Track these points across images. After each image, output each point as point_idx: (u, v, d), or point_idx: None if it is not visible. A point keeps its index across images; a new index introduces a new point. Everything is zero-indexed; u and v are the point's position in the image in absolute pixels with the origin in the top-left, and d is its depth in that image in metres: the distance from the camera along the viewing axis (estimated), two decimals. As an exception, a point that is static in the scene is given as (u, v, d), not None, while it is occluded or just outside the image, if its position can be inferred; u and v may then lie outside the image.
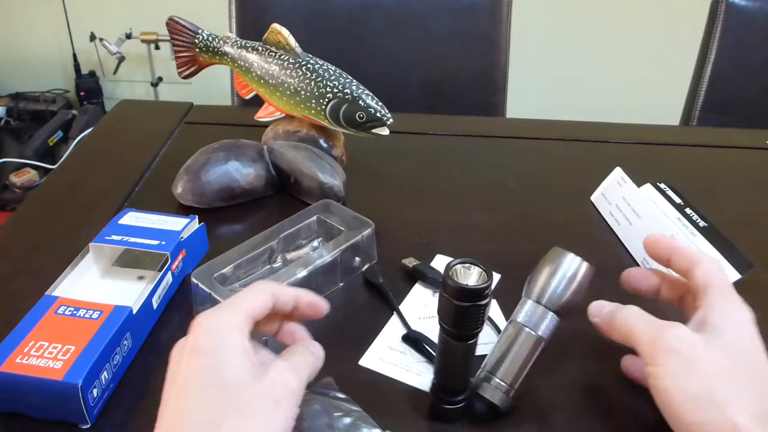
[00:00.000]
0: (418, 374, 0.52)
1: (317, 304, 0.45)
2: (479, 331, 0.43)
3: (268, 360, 0.41)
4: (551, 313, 0.47)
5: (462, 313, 0.41)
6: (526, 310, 0.48)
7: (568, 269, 0.48)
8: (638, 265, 0.66)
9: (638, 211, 0.69)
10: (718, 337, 0.41)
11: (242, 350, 0.38)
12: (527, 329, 0.47)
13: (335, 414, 0.45)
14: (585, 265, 0.49)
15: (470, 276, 0.41)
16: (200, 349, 0.37)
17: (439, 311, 0.42)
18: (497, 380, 0.47)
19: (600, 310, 0.48)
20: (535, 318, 0.48)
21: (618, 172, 0.75)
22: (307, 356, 0.42)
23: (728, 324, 0.42)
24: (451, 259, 0.65)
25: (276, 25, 0.73)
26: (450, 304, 0.41)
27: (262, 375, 0.38)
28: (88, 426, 0.46)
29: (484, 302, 0.40)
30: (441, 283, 0.41)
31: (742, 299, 0.45)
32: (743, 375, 0.40)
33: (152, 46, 2.30)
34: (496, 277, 0.63)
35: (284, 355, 0.42)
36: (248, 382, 0.37)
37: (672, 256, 0.49)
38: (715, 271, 0.46)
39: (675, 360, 0.41)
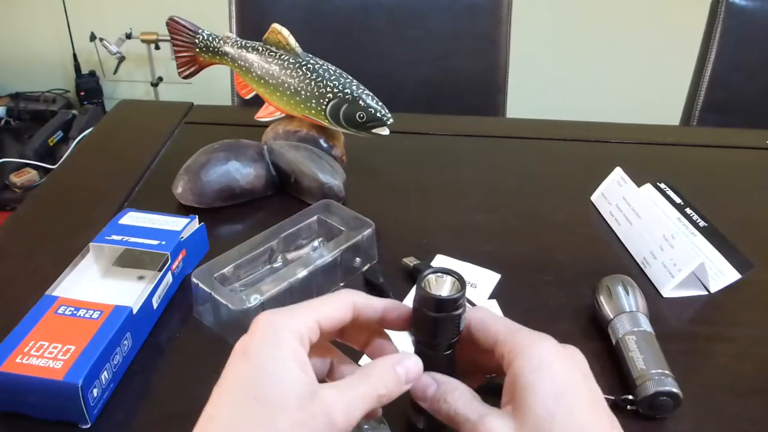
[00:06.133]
0: (418, 374, 0.52)
1: (405, 316, 0.40)
2: (457, 341, 0.41)
3: (327, 381, 0.37)
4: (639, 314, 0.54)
5: (437, 324, 0.39)
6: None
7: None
8: (639, 265, 0.67)
9: (638, 211, 0.69)
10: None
11: (295, 362, 0.33)
12: (637, 330, 0.53)
13: (363, 426, 0.45)
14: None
15: (443, 286, 0.39)
16: (250, 352, 0.33)
17: (414, 323, 0.40)
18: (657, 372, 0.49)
19: (424, 392, 0.39)
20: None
21: (618, 172, 0.75)
22: (369, 388, 0.36)
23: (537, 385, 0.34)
24: (451, 259, 0.66)
25: (276, 25, 0.73)
26: (425, 315, 0.39)
27: (308, 401, 0.33)
28: (88, 426, 0.46)
29: (458, 312, 0.39)
30: (415, 296, 0.39)
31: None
32: None
33: (152, 46, 2.30)
34: (496, 276, 0.63)
35: (345, 383, 0.36)
36: (291, 404, 0.32)
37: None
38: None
39: None
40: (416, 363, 0.38)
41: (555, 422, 0.33)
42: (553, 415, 0.33)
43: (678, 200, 0.74)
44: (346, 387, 0.35)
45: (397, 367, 0.37)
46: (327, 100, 0.71)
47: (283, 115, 0.77)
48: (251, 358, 0.33)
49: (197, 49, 0.79)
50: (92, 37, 2.30)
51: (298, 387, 0.33)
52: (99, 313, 0.49)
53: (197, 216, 0.63)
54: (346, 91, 0.71)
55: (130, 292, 0.55)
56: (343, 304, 0.38)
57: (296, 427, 0.32)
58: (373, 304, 0.39)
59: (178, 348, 0.54)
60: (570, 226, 0.73)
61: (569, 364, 0.36)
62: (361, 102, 0.70)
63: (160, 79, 2.40)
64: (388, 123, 0.71)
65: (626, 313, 0.54)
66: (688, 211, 0.72)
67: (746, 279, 0.62)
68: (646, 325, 0.53)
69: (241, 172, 0.72)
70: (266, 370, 0.33)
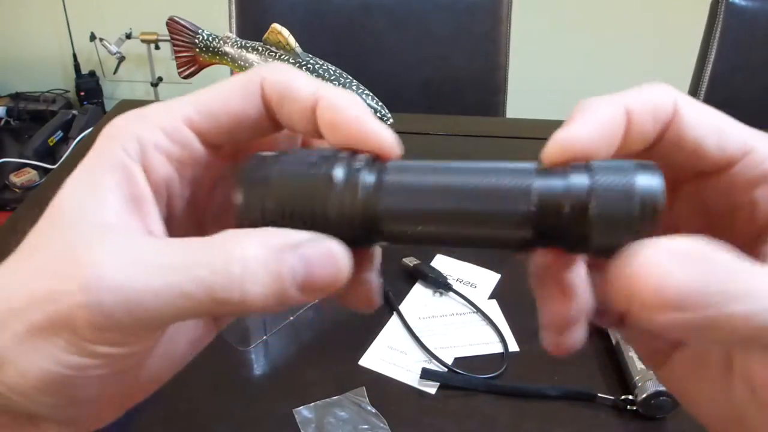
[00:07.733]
0: (418, 374, 0.52)
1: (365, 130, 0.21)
2: None
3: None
4: None
5: None
6: None
7: None
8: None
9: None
10: None
11: (102, 197, 0.19)
12: None
13: (361, 426, 0.45)
14: None
15: None
16: (74, 173, 0.20)
17: None
18: None
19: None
20: None
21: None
22: (195, 279, 0.17)
23: None
24: (452, 258, 0.66)
25: (276, 25, 0.74)
26: None
27: (63, 270, 0.18)
28: (88, 426, 0.46)
29: None
30: None
31: None
32: None
33: (152, 46, 2.30)
34: (496, 276, 0.63)
35: (160, 250, 0.18)
36: (52, 267, 0.19)
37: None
38: None
39: None
40: (330, 248, 0.19)
41: None
42: None
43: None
44: (149, 263, 0.18)
45: (285, 253, 0.18)
46: (327, 100, 0.71)
47: (283, 115, 0.77)
48: (67, 182, 0.20)
49: (197, 49, 0.79)
50: (92, 37, 2.30)
51: (76, 239, 0.18)
52: (99, 313, 0.49)
53: (197, 216, 0.63)
54: (346, 91, 0.71)
55: (130, 292, 0.55)
56: (241, 86, 0.21)
57: (28, 312, 0.18)
58: (297, 86, 0.21)
59: (178, 348, 0.54)
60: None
61: None
62: (361, 102, 0.70)
63: (160, 79, 2.40)
64: (388, 123, 0.71)
65: None
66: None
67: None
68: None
69: (241, 172, 0.72)
70: (62, 205, 0.20)
